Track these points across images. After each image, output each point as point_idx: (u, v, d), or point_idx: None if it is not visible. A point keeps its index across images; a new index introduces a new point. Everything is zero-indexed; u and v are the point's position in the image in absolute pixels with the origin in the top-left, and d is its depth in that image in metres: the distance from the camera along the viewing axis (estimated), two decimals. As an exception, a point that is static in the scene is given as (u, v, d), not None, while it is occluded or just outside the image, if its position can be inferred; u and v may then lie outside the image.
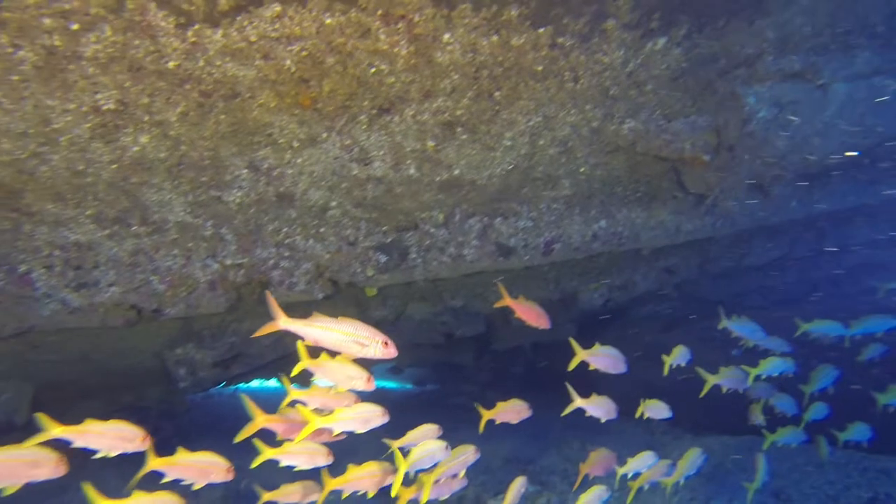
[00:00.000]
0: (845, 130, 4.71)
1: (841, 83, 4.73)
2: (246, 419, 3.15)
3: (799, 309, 7.15)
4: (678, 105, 4.51)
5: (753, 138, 4.51)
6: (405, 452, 3.38)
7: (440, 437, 3.58)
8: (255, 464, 3.15)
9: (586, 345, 3.86)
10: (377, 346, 2.97)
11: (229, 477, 3.18)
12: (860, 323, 4.96)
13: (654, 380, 4.59)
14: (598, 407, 4.01)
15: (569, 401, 3.87)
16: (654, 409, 4.26)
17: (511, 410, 4.04)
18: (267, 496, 3.57)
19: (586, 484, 3.95)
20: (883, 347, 5.13)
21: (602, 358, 3.95)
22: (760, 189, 5.84)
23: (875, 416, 4.79)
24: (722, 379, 4.42)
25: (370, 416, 3.26)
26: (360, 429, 3.24)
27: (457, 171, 4.25)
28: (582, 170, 4.58)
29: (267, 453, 3.19)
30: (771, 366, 4.31)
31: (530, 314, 4.00)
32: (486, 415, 3.93)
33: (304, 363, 3.08)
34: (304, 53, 3.21)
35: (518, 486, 3.98)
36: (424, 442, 3.52)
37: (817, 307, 7.89)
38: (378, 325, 5.19)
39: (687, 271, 6.62)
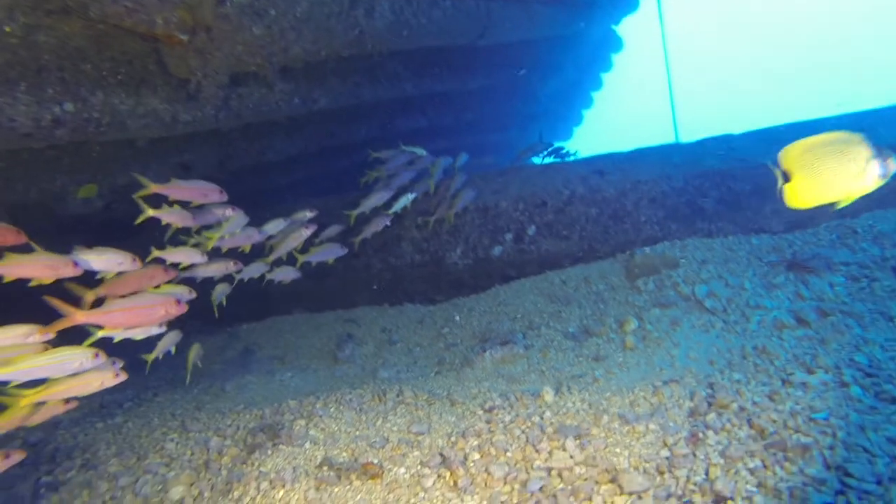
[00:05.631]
0: (314, 28, 5.22)
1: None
2: None
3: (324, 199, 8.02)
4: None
5: (229, 22, 4.50)
6: None
7: None
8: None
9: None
10: None
11: None
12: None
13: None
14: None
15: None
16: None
17: None
18: None
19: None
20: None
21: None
22: (264, 82, 6.05)
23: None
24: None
25: None
26: None
27: None
28: (8, 30, 3.68)
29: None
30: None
31: None
32: None
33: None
34: None
35: None
36: None
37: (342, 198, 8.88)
38: None
39: (204, 167, 6.49)
